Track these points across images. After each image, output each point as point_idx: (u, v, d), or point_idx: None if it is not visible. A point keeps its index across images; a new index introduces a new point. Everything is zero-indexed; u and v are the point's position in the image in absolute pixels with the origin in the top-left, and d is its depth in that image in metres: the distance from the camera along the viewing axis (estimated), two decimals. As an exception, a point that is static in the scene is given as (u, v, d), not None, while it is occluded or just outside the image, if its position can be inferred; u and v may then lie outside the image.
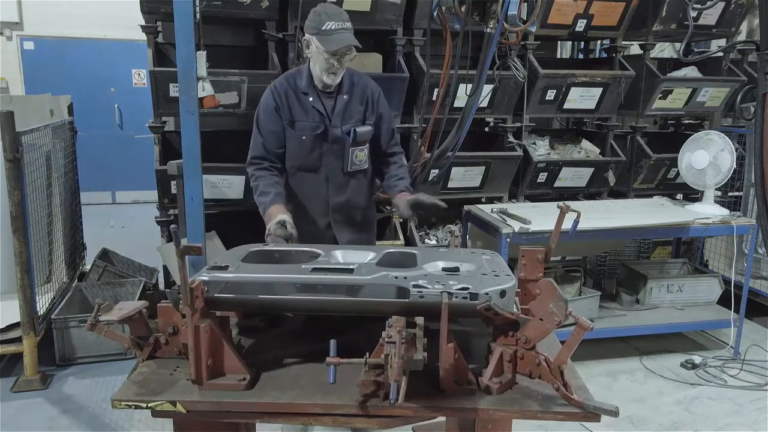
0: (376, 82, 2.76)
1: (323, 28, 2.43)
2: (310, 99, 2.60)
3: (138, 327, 1.60)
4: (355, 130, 2.61)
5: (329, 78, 2.53)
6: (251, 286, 1.51)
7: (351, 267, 1.62)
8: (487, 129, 4.66)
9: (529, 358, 1.45)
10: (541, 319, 1.39)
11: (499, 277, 1.55)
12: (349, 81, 2.65)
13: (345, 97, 2.63)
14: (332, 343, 1.30)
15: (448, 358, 1.39)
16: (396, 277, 1.50)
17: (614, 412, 1.34)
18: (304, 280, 1.51)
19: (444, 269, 1.64)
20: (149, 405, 1.41)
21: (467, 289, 1.43)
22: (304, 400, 1.41)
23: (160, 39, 3.95)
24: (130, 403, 1.42)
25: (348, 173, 2.69)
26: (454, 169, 4.01)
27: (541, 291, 1.56)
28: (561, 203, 1.76)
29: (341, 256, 1.80)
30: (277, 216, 2.41)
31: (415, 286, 1.45)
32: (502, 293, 1.45)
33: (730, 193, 4.64)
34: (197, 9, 2.95)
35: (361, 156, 2.70)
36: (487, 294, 1.42)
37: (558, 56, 5.46)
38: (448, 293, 1.39)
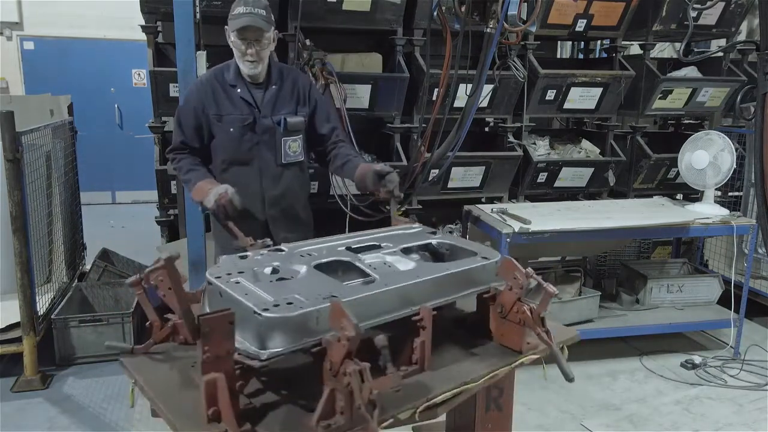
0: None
1: (233, 12, 2.49)
2: (238, 91, 2.61)
3: None
4: (285, 119, 2.61)
5: (246, 66, 2.54)
6: None
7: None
8: (487, 129, 4.66)
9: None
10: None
11: None
12: (278, 73, 2.67)
13: (274, 87, 2.64)
14: None
15: None
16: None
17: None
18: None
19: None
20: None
21: None
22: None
23: (160, 39, 3.94)
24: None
25: (282, 165, 2.67)
26: (454, 169, 4.00)
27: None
28: None
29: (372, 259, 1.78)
30: (214, 187, 2.41)
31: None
32: None
33: (730, 193, 4.64)
34: (197, 9, 2.96)
35: (294, 147, 2.68)
36: None
37: (558, 56, 5.46)
38: None
